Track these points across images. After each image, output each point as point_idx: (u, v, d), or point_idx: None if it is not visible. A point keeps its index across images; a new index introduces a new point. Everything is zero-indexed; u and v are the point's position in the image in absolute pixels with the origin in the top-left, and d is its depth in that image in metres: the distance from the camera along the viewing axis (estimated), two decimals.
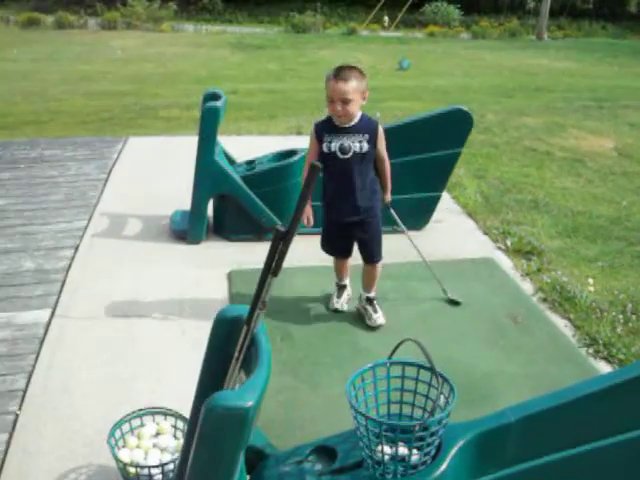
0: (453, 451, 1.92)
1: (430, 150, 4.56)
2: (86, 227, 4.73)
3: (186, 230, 4.51)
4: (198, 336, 3.50)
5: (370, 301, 3.63)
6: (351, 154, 3.28)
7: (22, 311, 3.67)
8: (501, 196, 5.75)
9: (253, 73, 13.93)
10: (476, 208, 5.34)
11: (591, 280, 4.13)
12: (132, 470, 2.28)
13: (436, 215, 4.96)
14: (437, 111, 4.65)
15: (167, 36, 21.03)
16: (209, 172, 4.31)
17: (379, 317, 3.56)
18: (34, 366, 3.21)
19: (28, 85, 11.36)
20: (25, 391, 3.03)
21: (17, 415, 2.88)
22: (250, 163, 4.69)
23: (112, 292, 3.90)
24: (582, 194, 5.94)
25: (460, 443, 1.93)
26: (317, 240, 3.70)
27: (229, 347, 1.91)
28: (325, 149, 3.28)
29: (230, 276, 4.08)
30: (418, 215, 4.79)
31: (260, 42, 19.63)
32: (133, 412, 2.52)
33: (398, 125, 4.67)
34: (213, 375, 1.97)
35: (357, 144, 3.27)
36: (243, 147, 5.75)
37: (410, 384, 2.03)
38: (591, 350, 3.48)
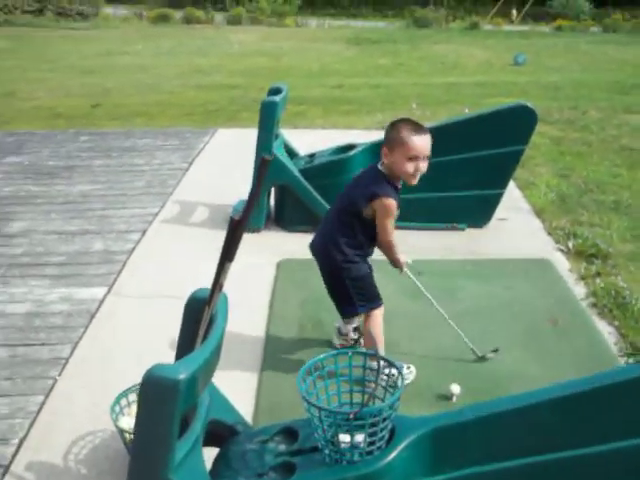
0: (404, 444, 1.94)
1: (491, 147, 4.48)
2: (157, 213, 5.04)
3: None
4: (234, 321, 3.68)
5: (358, 329, 3.31)
6: None
7: (83, 287, 3.98)
8: (580, 196, 5.53)
9: (363, 68, 13.98)
10: (547, 207, 5.18)
11: None
12: (128, 437, 2.45)
13: (502, 213, 4.87)
14: (499, 107, 4.57)
15: (287, 31, 21.50)
16: None
17: None
18: (81, 337, 3.49)
19: (145, 78, 12.03)
20: (68, 360, 3.31)
21: (56, 380, 3.16)
22: (311, 156, 4.81)
23: (166, 275, 4.14)
24: None
25: (412, 437, 1.95)
26: None
27: (198, 325, 2.04)
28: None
29: (279, 265, 4.22)
30: (479, 212, 4.74)
31: (377, 36, 19.66)
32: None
33: (459, 121, 4.63)
34: (186, 350, 2.09)
35: None
36: (321, 141, 5.88)
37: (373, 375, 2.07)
38: (632, 360, 3.31)
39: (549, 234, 4.75)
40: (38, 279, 4.07)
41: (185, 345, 2.08)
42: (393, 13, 28.46)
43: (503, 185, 4.65)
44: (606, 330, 3.58)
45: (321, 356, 2.05)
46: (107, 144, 6.91)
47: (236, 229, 1.88)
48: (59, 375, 3.19)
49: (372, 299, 3.05)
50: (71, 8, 22.37)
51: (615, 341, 3.48)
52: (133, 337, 3.50)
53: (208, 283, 4.14)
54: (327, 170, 4.54)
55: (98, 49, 16.10)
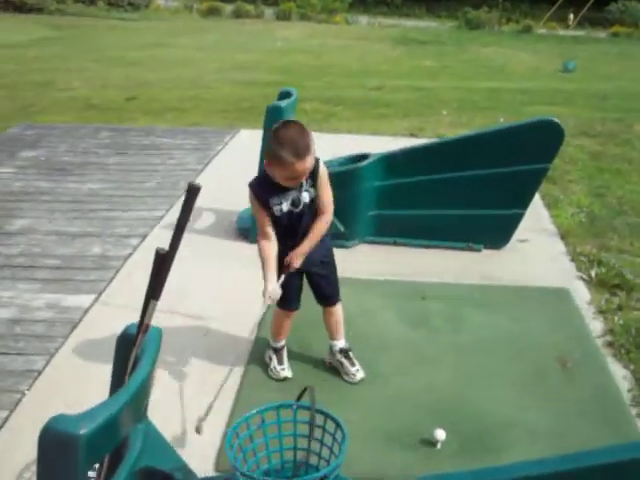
0: None
1: (512, 164, 4.18)
2: (162, 217, 4.87)
3: (249, 229, 4.49)
4: (220, 339, 3.49)
5: (345, 353, 3.16)
6: (302, 206, 2.82)
7: (71, 294, 3.83)
8: (613, 218, 5.16)
9: (407, 69, 13.67)
10: (573, 230, 4.83)
11: None
12: None
13: (523, 234, 4.56)
14: (523, 121, 4.26)
15: (334, 28, 21.27)
16: None
17: (358, 371, 3.14)
18: (58, 349, 3.34)
19: (184, 72, 11.97)
20: (41, 372, 3.16)
21: (24, 394, 3.01)
22: None
23: None
24: None
25: None
26: None
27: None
28: (277, 213, 2.80)
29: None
30: (496, 233, 4.44)
31: (425, 37, 19.30)
32: None
33: (480, 134, 4.35)
34: (116, 389, 1.90)
35: (305, 193, 2.80)
36: (347, 145, 5.67)
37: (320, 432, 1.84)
38: None
39: (572, 260, 4.41)
40: (28, 282, 3.95)
41: (115, 384, 1.89)
42: (447, 14, 27.97)
43: (523, 205, 4.33)
44: (620, 374, 3.26)
45: (261, 408, 1.82)
46: (126, 141, 6.78)
47: (162, 264, 1.66)
48: (28, 389, 3.04)
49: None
50: None
51: (629, 387, 3.15)
52: (112, 352, 3.32)
53: (202, 295, 3.98)
54: (336, 181, 4.27)
55: (143, 41, 16.16)
